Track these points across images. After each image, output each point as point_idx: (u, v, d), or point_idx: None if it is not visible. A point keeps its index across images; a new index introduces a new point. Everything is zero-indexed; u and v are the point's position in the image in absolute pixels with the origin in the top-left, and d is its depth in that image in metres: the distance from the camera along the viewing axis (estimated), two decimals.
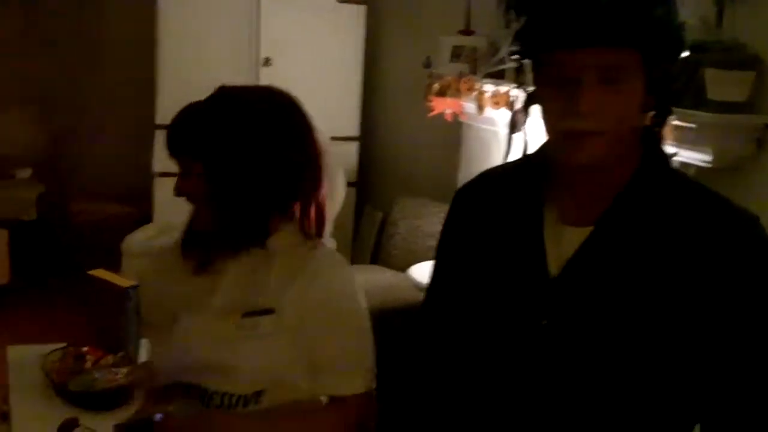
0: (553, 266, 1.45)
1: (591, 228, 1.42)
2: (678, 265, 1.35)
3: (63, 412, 2.91)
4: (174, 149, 1.97)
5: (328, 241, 5.43)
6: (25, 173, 6.89)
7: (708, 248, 1.34)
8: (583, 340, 1.41)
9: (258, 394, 1.87)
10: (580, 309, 1.41)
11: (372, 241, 5.66)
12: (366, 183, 6.34)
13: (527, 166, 1.54)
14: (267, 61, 5.85)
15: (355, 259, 5.71)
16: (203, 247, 1.95)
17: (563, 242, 1.45)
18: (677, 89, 1.42)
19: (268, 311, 1.84)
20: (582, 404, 1.41)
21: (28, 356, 3.29)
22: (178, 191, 1.98)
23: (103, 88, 6.92)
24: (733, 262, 1.33)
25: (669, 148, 1.54)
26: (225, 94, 1.92)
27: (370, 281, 4.31)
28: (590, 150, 1.36)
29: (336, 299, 1.88)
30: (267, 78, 5.66)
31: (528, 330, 1.45)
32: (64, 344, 3.27)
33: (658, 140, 1.47)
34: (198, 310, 1.89)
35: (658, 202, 1.40)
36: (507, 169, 1.61)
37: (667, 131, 2.63)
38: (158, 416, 1.84)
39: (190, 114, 1.97)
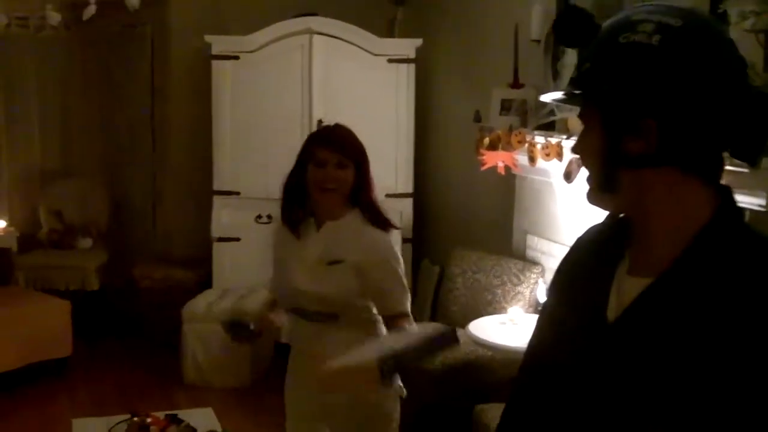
0: (612, 314, 1.46)
1: (651, 279, 1.42)
2: (733, 329, 1.31)
3: None
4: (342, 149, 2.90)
5: None
6: (86, 243, 7.01)
7: (759, 323, 1.30)
8: (630, 390, 1.40)
9: (339, 313, 2.85)
10: (630, 357, 1.41)
11: (431, 297, 5.64)
12: (422, 238, 6.36)
13: (619, 220, 1.57)
14: (320, 123, 5.92)
15: (415, 315, 5.68)
16: (297, 225, 2.96)
17: (624, 292, 1.46)
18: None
19: (340, 261, 2.84)
20: None
21: (93, 428, 3.34)
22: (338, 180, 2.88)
23: (162, 157, 7.05)
24: None
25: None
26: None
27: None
28: (589, 191, 1.48)
29: (388, 260, 2.87)
30: None
31: (584, 374, 1.47)
32: (128, 415, 3.31)
33: (731, 193, 1.45)
34: (301, 260, 2.90)
35: (723, 260, 1.37)
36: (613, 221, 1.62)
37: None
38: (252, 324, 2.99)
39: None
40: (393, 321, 2.85)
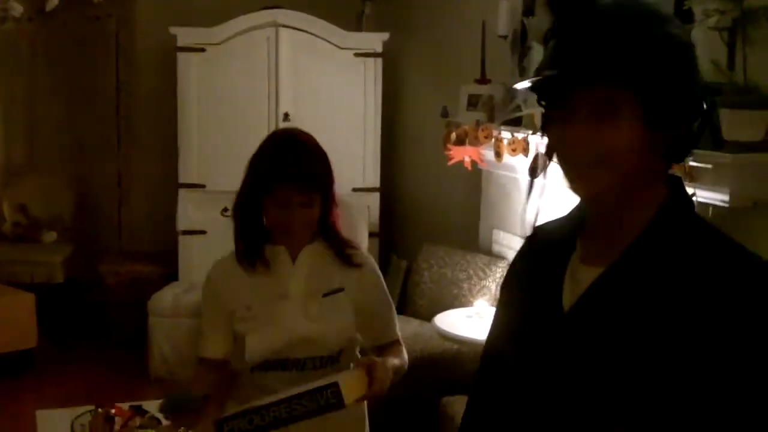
0: (567, 303, 1.48)
1: (605, 267, 1.44)
2: (684, 313, 1.34)
3: None
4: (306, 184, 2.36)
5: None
6: (50, 237, 6.96)
7: (716, 299, 1.33)
8: (588, 378, 1.41)
9: (339, 353, 2.44)
10: (586, 345, 1.42)
11: (398, 291, 5.66)
12: (389, 233, 6.38)
13: (572, 212, 1.58)
14: (286, 116, 5.94)
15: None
16: (259, 253, 2.44)
17: (578, 281, 1.47)
18: (694, 131, 1.39)
19: (339, 290, 2.43)
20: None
21: (57, 420, 3.33)
22: (304, 220, 2.38)
23: (128, 151, 7.02)
24: (740, 316, 1.32)
25: (687, 189, 1.54)
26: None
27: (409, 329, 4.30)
28: (588, 182, 1.42)
29: (380, 279, 2.55)
30: None
31: (542, 364, 1.48)
32: (92, 407, 3.30)
33: (682, 184, 1.48)
34: (286, 300, 2.41)
35: (673, 248, 1.40)
36: (567, 216, 1.63)
37: (683, 172, 2.68)
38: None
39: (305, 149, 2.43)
40: (387, 349, 2.49)
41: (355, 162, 6.02)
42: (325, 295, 2.42)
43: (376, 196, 6.20)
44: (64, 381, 5.70)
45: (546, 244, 1.62)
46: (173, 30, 6.04)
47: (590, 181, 1.41)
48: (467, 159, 4.64)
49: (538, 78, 1.43)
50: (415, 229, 6.26)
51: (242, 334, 2.40)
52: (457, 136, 4.67)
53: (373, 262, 2.54)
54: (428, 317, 4.65)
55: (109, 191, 7.16)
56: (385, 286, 2.56)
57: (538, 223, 1.73)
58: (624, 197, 1.43)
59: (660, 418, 1.35)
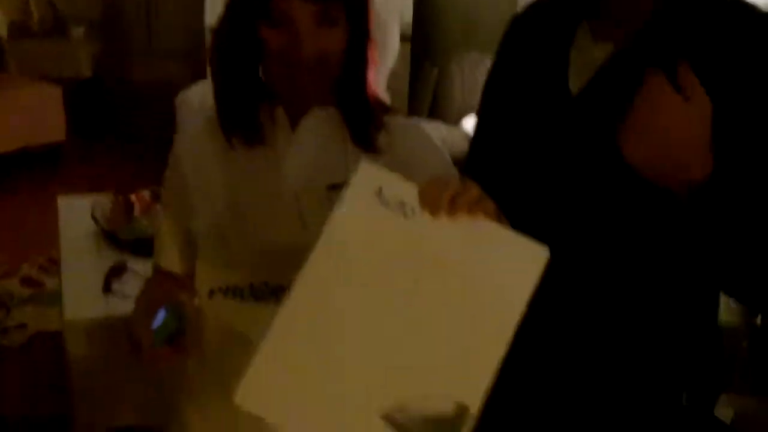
0: (575, 85, 1.36)
1: (617, 43, 1.33)
2: (709, 88, 1.21)
3: (112, 258, 2.96)
4: None
5: (383, 97, 5.30)
6: (78, 32, 6.87)
7: (744, 68, 1.23)
8: (598, 159, 1.32)
9: None
10: (596, 130, 1.32)
11: (429, 97, 5.56)
12: (422, 38, 6.20)
13: None
14: None
15: (411, 114, 5.63)
16: (247, 117, 1.57)
17: (589, 59, 1.35)
18: None
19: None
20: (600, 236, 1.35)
21: (78, 206, 3.34)
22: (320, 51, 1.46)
23: None
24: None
25: None
26: None
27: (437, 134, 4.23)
28: None
29: (432, 159, 1.59)
30: None
31: (549, 149, 1.39)
32: (112, 194, 3.30)
33: None
34: (264, 191, 1.55)
35: (692, 24, 1.28)
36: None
37: None
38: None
39: None
40: None
41: None
42: (332, 188, 1.49)
43: (409, 3, 5.96)
44: (91, 174, 5.77)
45: (539, 26, 1.48)
46: None
47: None
48: None
49: None
50: (449, 35, 6.08)
51: (201, 239, 1.58)
52: None
53: (418, 135, 1.60)
54: (457, 122, 4.57)
55: None
56: (446, 163, 1.59)
57: None
58: None
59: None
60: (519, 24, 1.57)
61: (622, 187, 1.30)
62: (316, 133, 1.54)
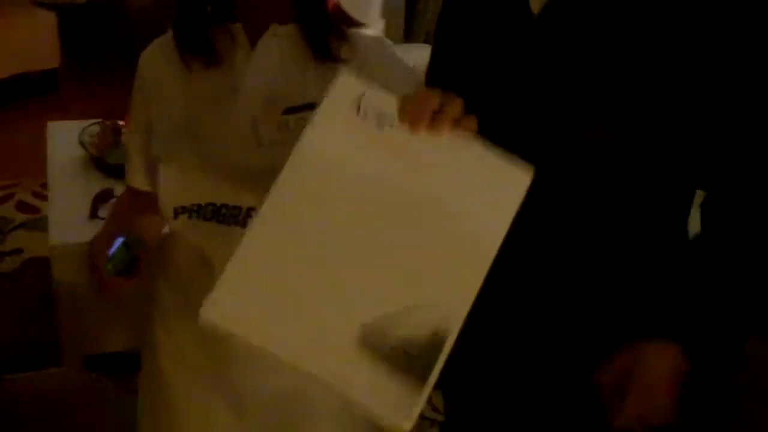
0: (536, 5, 1.31)
1: None
2: (665, 16, 1.19)
3: (99, 184, 2.95)
4: None
5: (378, 22, 5.17)
6: None
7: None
8: (561, 84, 1.28)
9: None
10: (557, 52, 1.28)
11: (427, 19, 5.48)
12: None
13: None
14: None
15: (408, 38, 5.56)
16: (202, 37, 1.52)
17: None
18: None
19: (307, 105, 1.46)
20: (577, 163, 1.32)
21: (67, 131, 3.33)
22: None
23: None
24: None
25: None
26: None
27: (424, 60, 4.16)
28: None
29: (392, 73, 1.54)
30: None
31: (513, 77, 1.35)
32: (100, 120, 3.28)
33: None
34: (221, 112, 1.51)
35: None
36: None
37: None
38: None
39: None
40: None
41: None
42: (290, 111, 1.49)
43: None
44: (85, 101, 5.72)
45: None
46: None
47: None
48: None
49: None
50: None
51: (159, 160, 1.54)
52: None
53: (383, 48, 1.57)
54: None
55: None
56: (415, 75, 1.56)
57: None
58: None
59: (634, 119, 1.24)
60: None
61: (579, 115, 1.27)
62: (275, 52, 1.49)
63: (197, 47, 1.51)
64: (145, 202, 1.65)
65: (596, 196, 1.34)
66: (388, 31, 5.21)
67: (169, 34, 1.58)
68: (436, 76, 1.55)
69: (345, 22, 1.53)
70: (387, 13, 5.22)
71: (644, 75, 1.22)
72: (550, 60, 1.30)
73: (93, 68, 6.33)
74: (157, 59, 1.59)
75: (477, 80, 1.41)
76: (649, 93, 1.22)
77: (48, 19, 5.86)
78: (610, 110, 1.25)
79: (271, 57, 1.49)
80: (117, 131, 3.16)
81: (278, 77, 1.49)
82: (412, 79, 1.53)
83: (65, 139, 3.28)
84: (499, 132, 1.33)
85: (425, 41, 5.33)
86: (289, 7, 1.47)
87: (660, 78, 1.21)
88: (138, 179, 1.66)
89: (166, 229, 1.66)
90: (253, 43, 1.49)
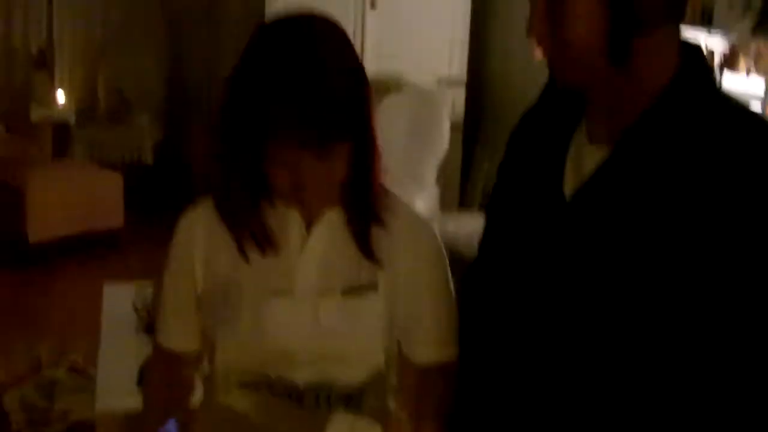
0: (569, 188, 1.34)
1: (610, 148, 1.29)
2: (696, 200, 1.19)
3: (149, 350, 2.96)
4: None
5: (433, 189, 5.24)
6: (142, 118, 7.02)
7: (729, 185, 1.18)
8: (589, 270, 1.29)
9: (361, 393, 1.58)
10: (589, 237, 1.29)
11: (480, 187, 5.55)
12: (474, 126, 6.20)
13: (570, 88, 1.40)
14: (373, 4, 5.75)
15: (463, 206, 5.61)
16: (257, 219, 1.54)
17: (583, 164, 1.33)
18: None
19: (369, 286, 1.54)
20: (587, 332, 1.31)
21: (123, 294, 3.36)
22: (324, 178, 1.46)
23: (220, 33, 6.96)
24: (758, 204, 1.17)
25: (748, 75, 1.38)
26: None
27: (478, 229, 4.18)
28: (556, 72, 1.29)
29: (439, 263, 1.64)
30: (373, 20, 5.57)
31: (543, 256, 1.36)
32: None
33: (699, 52, 1.30)
34: (278, 291, 1.53)
35: (686, 123, 1.23)
36: (559, 93, 1.46)
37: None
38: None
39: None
40: (428, 380, 1.63)
41: (442, 53, 5.80)
42: (349, 291, 1.53)
43: (462, 91, 5.92)
44: (148, 260, 5.80)
45: (541, 125, 1.46)
46: None
47: (558, 70, 1.29)
48: None
49: None
50: (500, 123, 6.07)
51: (214, 331, 1.58)
52: None
53: (438, 247, 1.62)
54: None
55: (201, 75, 7.14)
56: (447, 273, 1.63)
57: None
58: (616, 76, 1.26)
59: (666, 312, 1.23)
60: (525, 119, 1.56)
61: (615, 295, 1.27)
62: (329, 236, 1.54)
63: (254, 234, 1.53)
64: (178, 363, 1.67)
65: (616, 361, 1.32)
66: (442, 198, 5.28)
67: (206, 204, 1.60)
68: (487, 248, 1.58)
69: (388, 199, 1.59)
70: (442, 180, 5.31)
71: (667, 265, 1.22)
72: (579, 241, 1.31)
73: (155, 227, 6.45)
74: (201, 225, 1.60)
75: (514, 254, 1.43)
76: (672, 283, 1.22)
77: (114, 180, 6.08)
78: (636, 295, 1.25)
79: (325, 240, 1.54)
80: None
81: (333, 258, 1.54)
82: (441, 263, 1.62)
83: (121, 301, 3.31)
84: (533, 311, 1.38)
85: (481, 206, 5.39)
86: (337, 192, 1.51)
87: (682, 269, 1.21)
88: (174, 340, 1.67)
89: (198, 394, 1.69)
90: (308, 222, 1.54)
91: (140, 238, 6.18)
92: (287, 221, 1.54)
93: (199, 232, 1.60)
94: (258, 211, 1.53)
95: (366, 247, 1.53)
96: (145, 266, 5.64)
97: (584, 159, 1.33)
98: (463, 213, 5.16)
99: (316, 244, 1.54)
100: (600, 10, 1.21)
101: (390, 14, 5.56)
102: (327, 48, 1.41)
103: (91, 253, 5.88)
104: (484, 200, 5.44)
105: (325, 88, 1.36)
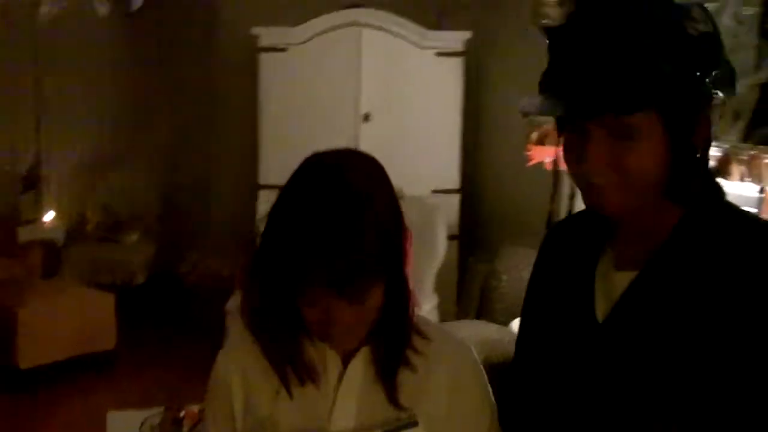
0: (601, 312, 1.40)
1: (637, 272, 1.37)
2: (725, 312, 1.26)
3: None
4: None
5: (431, 298, 5.25)
6: (132, 237, 7.01)
7: (755, 295, 1.25)
8: (627, 388, 1.34)
9: None
10: (624, 356, 1.35)
11: (476, 295, 5.55)
12: (469, 235, 6.24)
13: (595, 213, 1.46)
14: (367, 117, 5.83)
15: (460, 314, 5.60)
16: (298, 356, 1.53)
17: (612, 287, 1.40)
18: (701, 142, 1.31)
19: (412, 424, 1.51)
20: None
21: (127, 421, 3.31)
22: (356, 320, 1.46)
23: (211, 150, 7.04)
24: None
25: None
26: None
27: (473, 337, 4.20)
28: (608, 202, 1.34)
29: (480, 393, 1.61)
30: (367, 133, 5.65)
31: (577, 377, 1.42)
32: (162, 408, 3.28)
33: (712, 178, 1.41)
34: (318, 427, 1.51)
35: (706, 244, 1.32)
36: (587, 214, 1.53)
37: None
38: None
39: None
40: None
41: (435, 163, 5.91)
42: (386, 430, 1.50)
43: (457, 197, 6.04)
44: (141, 381, 5.73)
45: (568, 248, 1.53)
46: (255, 30, 5.99)
47: (613, 201, 1.33)
48: (548, 160, 4.51)
49: (543, 109, 1.39)
50: (495, 232, 6.12)
51: None
52: (539, 137, 4.54)
53: (463, 356, 1.61)
54: (506, 321, 4.53)
55: (191, 193, 7.19)
56: (488, 389, 1.61)
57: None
58: (652, 204, 1.36)
59: (704, 423, 1.28)
60: (554, 235, 1.63)
61: (654, 413, 1.32)
62: (365, 372, 1.53)
63: (294, 367, 1.52)
64: None
65: None
66: (440, 306, 5.27)
67: (244, 333, 1.57)
68: (523, 359, 1.62)
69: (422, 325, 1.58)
70: (439, 289, 5.31)
71: (704, 379, 1.27)
72: (614, 368, 1.37)
73: (147, 346, 6.39)
74: (239, 359, 1.58)
75: (547, 371, 1.49)
76: (711, 397, 1.27)
77: (106, 301, 5.98)
78: (674, 413, 1.29)
79: (361, 376, 1.53)
80: (178, 422, 3.15)
81: (371, 394, 1.52)
82: (482, 380, 1.60)
83: (125, 428, 3.27)
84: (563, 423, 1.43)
85: (477, 315, 5.37)
86: (375, 326, 1.50)
87: (719, 383, 1.26)
88: None
89: None
90: (344, 360, 1.53)
91: (134, 359, 6.10)
92: (325, 355, 1.53)
93: (237, 368, 1.58)
94: (297, 344, 1.53)
95: (392, 395, 1.51)
96: (138, 385, 5.57)
97: (613, 284, 1.40)
98: (461, 322, 5.13)
99: (352, 381, 1.52)
100: (664, 146, 1.29)
101: (384, 127, 5.66)
102: (363, 199, 1.40)
103: (84, 376, 5.77)
104: (480, 309, 5.42)
105: (360, 248, 1.36)
